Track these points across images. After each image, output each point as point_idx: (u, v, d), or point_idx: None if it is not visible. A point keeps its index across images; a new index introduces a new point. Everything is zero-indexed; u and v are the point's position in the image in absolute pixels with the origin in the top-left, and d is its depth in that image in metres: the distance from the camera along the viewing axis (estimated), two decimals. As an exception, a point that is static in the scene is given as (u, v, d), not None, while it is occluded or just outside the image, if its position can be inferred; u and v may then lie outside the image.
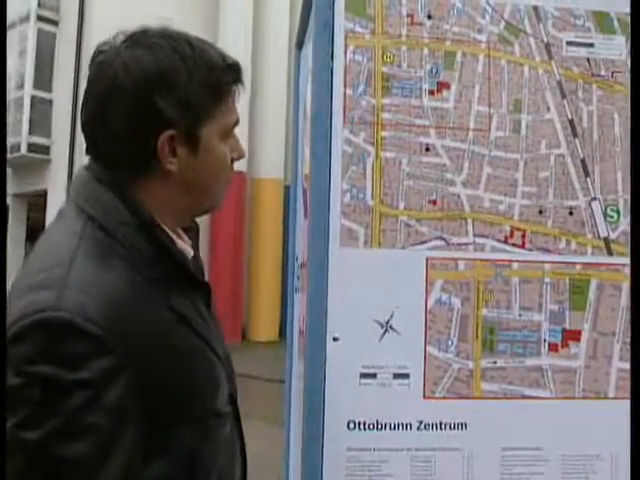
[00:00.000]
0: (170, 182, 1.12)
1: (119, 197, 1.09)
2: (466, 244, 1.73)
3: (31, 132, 15.56)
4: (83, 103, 1.12)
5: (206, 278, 1.29)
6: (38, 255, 1.08)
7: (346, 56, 1.73)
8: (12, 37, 16.24)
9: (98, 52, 1.11)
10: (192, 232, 1.29)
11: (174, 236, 1.15)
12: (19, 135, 15.59)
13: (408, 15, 1.76)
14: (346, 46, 1.73)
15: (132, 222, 1.08)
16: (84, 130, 1.13)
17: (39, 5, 15.91)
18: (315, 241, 1.69)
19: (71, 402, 0.89)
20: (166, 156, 1.10)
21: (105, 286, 0.99)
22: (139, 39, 1.11)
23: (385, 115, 1.73)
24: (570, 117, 1.79)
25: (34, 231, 17.31)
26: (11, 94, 16.00)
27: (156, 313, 1.05)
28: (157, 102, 1.06)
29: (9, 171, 16.86)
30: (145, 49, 1.08)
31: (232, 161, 1.21)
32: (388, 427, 1.67)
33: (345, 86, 1.72)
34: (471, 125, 1.75)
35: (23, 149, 15.49)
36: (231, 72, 1.15)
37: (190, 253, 1.19)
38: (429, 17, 1.76)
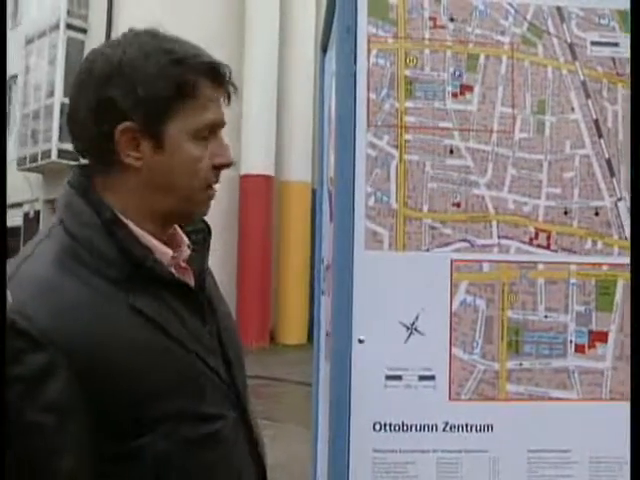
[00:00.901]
0: (137, 180, 1.12)
1: (83, 197, 1.11)
2: (491, 246, 1.73)
3: (61, 139, 15.77)
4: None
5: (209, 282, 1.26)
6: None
7: (369, 60, 1.74)
8: (42, 46, 16.51)
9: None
10: (200, 233, 1.28)
11: (147, 235, 1.13)
12: (49, 142, 15.83)
13: (431, 18, 1.76)
14: (369, 50, 1.74)
15: (94, 222, 1.09)
16: (68, 130, 1.17)
17: (68, 14, 16.13)
18: (340, 244, 1.70)
19: (10, 396, 0.92)
20: (124, 149, 1.10)
21: (51, 285, 1.01)
22: (119, 39, 1.15)
23: (408, 118, 1.74)
24: (595, 117, 1.78)
25: (65, 236, 17.52)
26: (41, 102, 16.27)
27: (109, 312, 1.04)
28: (113, 93, 1.08)
29: (40, 177, 17.11)
30: (116, 46, 1.12)
31: (217, 168, 1.17)
32: (414, 429, 1.68)
33: (368, 90, 1.73)
34: (495, 127, 1.75)
35: (53, 156, 15.72)
36: (201, 69, 1.13)
37: (168, 254, 1.15)
38: (451, 20, 1.77)
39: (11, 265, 1.04)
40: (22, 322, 0.95)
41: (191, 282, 1.21)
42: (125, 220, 1.11)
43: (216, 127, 1.16)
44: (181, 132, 1.12)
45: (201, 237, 1.28)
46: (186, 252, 1.22)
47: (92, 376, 0.98)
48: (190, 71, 1.11)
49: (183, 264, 1.20)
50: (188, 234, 1.27)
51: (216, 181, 1.18)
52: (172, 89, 1.10)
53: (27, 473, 0.94)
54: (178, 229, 1.25)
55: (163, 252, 1.15)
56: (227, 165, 1.18)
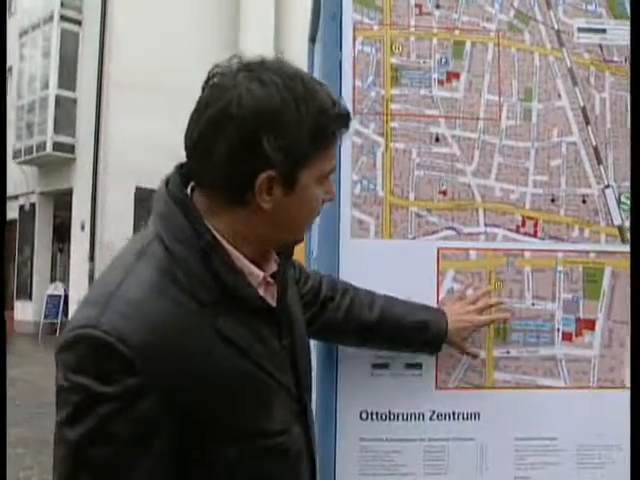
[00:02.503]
0: (259, 217, 1.13)
1: (184, 213, 1.12)
2: (477, 234, 1.72)
3: (56, 131, 15.73)
4: (191, 121, 1.12)
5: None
6: (107, 267, 1.16)
7: (355, 47, 1.73)
8: (36, 38, 16.44)
9: (214, 74, 1.12)
10: (282, 253, 1.28)
11: (243, 259, 1.15)
12: (44, 134, 15.77)
13: (417, 5, 1.75)
14: (354, 37, 1.73)
15: (192, 242, 1.10)
16: (187, 147, 1.13)
17: (62, 5, 16.06)
18: (326, 233, 1.70)
19: (100, 410, 0.99)
20: (262, 194, 1.09)
21: (146, 308, 1.05)
22: (256, 71, 1.10)
23: (394, 106, 1.73)
24: (582, 104, 1.78)
25: (60, 229, 17.52)
26: (36, 94, 16.20)
27: (199, 336, 1.08)
28: (263, 142, 1.06)
29: (35, 169, 17.06)
30: (261, 84, 1.08)
31: (323, 202, 1.21)
32: (401, 417, 1.68)
33: (354, 78, 1.72)
34: (481, 114, 1.74)
35: (48, 148, 15.68)
36: (340, 120, 1.14)
37: (260, 276, 1.17)
38: (437, 7, 1.75)
39: (108, 285, 1.08)
40: (119, 345, 1.00)
41: (273, 298, 1.22)
42: (224, 243, 1.13)
43: (334, 170, 1.22)
44: (312, 178, 1.14)
45: (286, 246, 1.28)
46: (273, 267, 1.24)
47: (177, 397, 1.04)
48: (332, 122, 1.13)
49: (269, 279, 1.22)
50: None
51: (320, 213, 1.24)
52: (316, 140, 1.11)
53: (107, 476, 1.01)
54: (273, 254, 1.27)
55: (256, 275, 1.17)
56: (332, 200, 1.26)
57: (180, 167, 1.18)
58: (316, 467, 1.32)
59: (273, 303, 1.21)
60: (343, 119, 1.15)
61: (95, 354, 1.01)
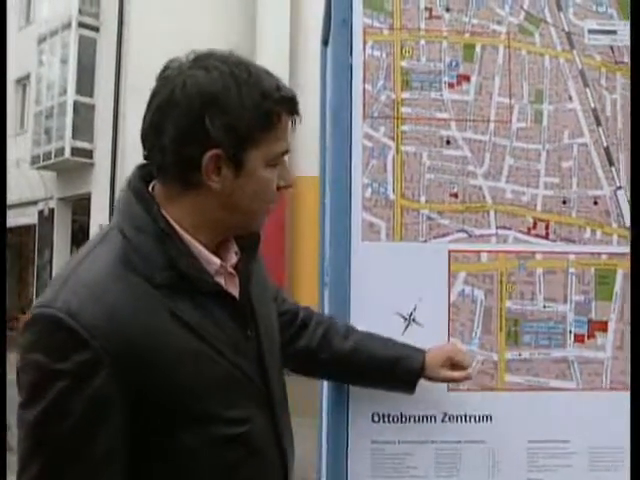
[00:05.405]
0: (212, 199, 1.17)
1: (141, 203, 1.17)
2: (489, 236, 1.72)
3: (74, 137, 15.82)
4: (144, 113, 1.19)
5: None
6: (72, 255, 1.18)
7: (365, 51, 1.74)
8: (55, 44, 16.57)
9: (166, 67, 1.18)
10: (249, 239, 1.31)
11: (199, 246, 1.18)
12: (63, 140, 15.87)
13: (426, 9, 1.76)
14: (365, 41, 1.74)
15: (149, 229, 1.15)
16: (142, 138, 1.19)
17: (80, 12, 16.18)
18: (337, 236, 1.70)
19: (54, 388, 1.02)
20: (210, 174, 1.14)
21: (100, 289, 1.09)
22: (203, 60, 1.16)
23: (405, 109, 1.73)
24: (593, 106, 1.77)
25: (79, 234, 17.62)
26: (55, 100, 16.32)
27: (151, 315, 1.11)
28: (206, 122, 1.11)
29: (54, 175, 17.18)
30: (205, 70, 1.14)
31: (279, 188, 1.24)
32: (412, 419, 1.68)
33: (364, 81, 1.73)
34: (492, 117, 1.75)
35: (67, 153, 15.77)
36: (284, 103, 1.18)
37: (216, 264, 1.20)
38: (447, 10, 1.76)
39: (67, 269, 1.13)
40: (69, 320, 1.03)
41: (236, 289, 1.26)
42: (179, 230, 1.17)
43: (286, 154, 1.24)
44: (259, 159, 1.17)
45: (250, 242, 1.32)
46: (233, 259, 1.27)
47: (130, 373, 1.06)
48: (275, 104, 1.16)
49: (231, 270, 1.25)
50: (238, 237, 1.31)
51: (277, 200, 1.26)
52: (260, 121, 1.15)
53: (64, 454, 1.03)
54: (231, 241, 1.30)
55: (212, 262, 1.20)
56: (289, 187, 1.27)
57: (141, 166, 1.23)
58: (287, 466, 1.30)
59: (236, 293, 1.25)
60: (287, 102, 1.19)
61: (47, 331, 1.04)
